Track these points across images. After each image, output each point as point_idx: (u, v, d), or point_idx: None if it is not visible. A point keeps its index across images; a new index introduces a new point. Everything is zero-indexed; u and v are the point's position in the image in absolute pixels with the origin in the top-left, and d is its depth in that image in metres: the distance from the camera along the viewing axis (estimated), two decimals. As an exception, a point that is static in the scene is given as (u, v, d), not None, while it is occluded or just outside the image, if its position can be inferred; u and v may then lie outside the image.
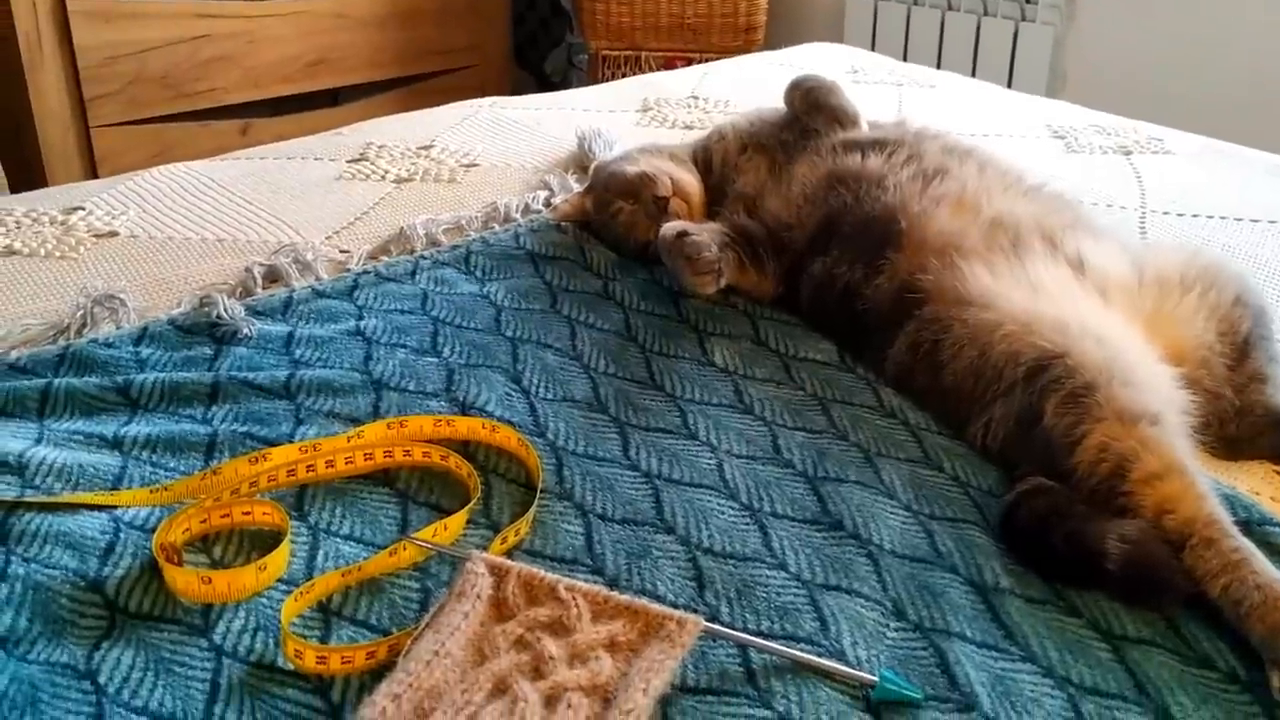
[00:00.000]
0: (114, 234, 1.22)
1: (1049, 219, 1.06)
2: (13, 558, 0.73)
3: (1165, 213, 1.34)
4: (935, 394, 0.95)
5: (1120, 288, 0.99)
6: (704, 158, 1.26)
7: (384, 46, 2.93)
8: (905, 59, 2.57)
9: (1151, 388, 0.85)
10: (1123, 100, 2.15)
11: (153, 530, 0.76)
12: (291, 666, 0.67)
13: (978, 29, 2.59)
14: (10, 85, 2.45)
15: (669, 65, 2.84)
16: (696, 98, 1.74)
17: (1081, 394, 0.83)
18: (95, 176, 2.59)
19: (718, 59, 2.69)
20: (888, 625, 0.72)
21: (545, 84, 3.25)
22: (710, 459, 0.88)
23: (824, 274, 1.07)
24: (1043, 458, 0.84)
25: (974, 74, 2.53)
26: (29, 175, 2.52)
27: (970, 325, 0.93)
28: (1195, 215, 1.33)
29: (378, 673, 0.65)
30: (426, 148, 1.48)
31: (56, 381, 0.92)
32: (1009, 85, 2.50)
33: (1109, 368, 0.85)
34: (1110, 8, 2.47)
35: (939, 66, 2.55)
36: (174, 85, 2.64)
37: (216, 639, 0.69)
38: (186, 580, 0.71)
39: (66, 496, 0.79)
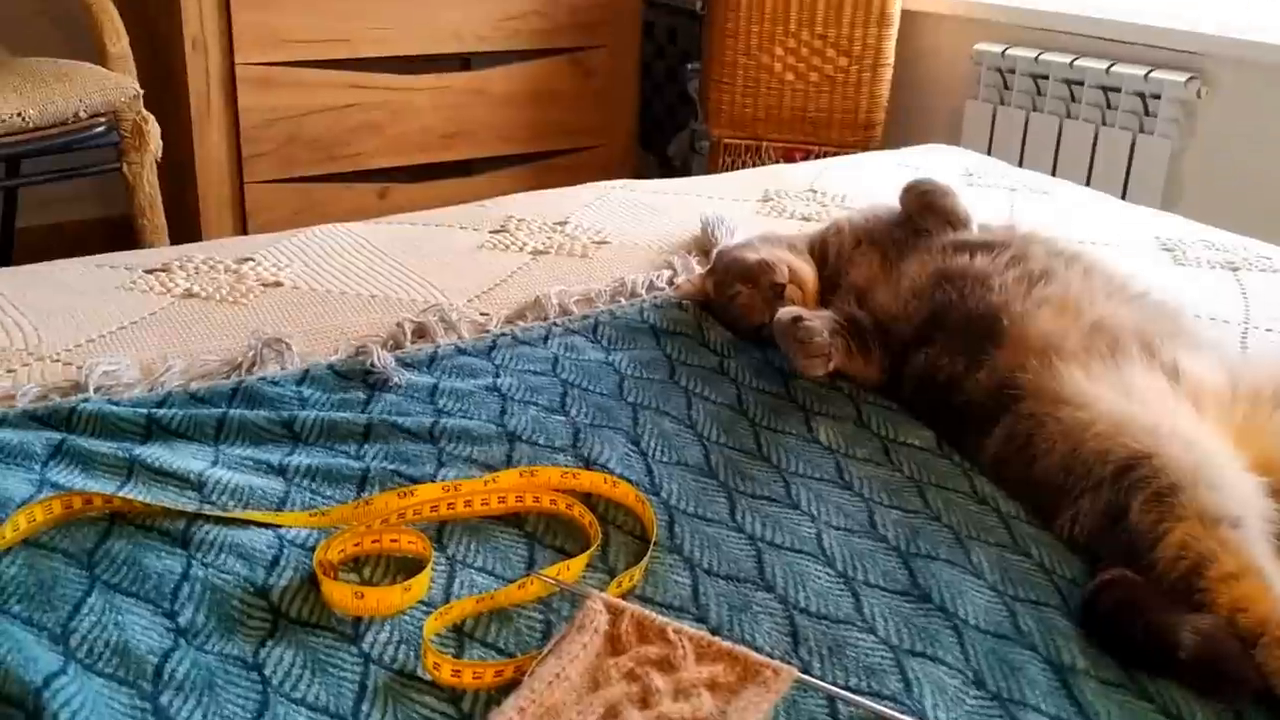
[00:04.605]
0: (279, 284, 1.35)
1: (1149, 326, 1.11)
2: (193, 561, 0.84)
3: (1268, 330, 1.38)
4: (1027, 484, 1.01)
5: (1213, 397, 1.04)
6: (820, 249, 1.34)
7: (518, 123, 3.09)
8: (1021, 164, 2.62)
9: (1235, 492, 0.90)
10: (1239, 217, 2.18)
11: (312, 548, 0.86)
12: (429, 677, 0.75)
13: (1095, 138, 2.64)
14: (179, 140, 2.66)
15: (788, 156, 2.95)
16: (815, 191, 1.83)
17: (1166, 493, 0.89)
18: (245, 228, 2.78)
19: (836, 152, 2.79)
20: (968, 692, 0.78)
21: (667, 166, 3.39)
22: (810, 528, 0.95)
23: (927, 365, 1.14)
24: (1126, 551, 0.89)
25: (1089, 182, 2.58)
26: (186, 223, 2.73)
27: (1064, 423, 0.99)
28: (1298, 334, 1.37)
29: (504, 689, 0.74)
30: (562, 224, 1.60)
31: (231, 412, 1.04)
32: (1124, 195, 2.53)
33: (1195, 470, 0.90)
34: (1230, 125, 2.51)
35: (1054, 173, 2.60)
36: (324, 148, 2.83)
37: (365, 647, 0.78)
38: (342, 594, 0.81)
39: (238, 513, 0.90)
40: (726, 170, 2.92)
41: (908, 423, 1.13)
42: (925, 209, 1.30)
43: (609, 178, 2.08)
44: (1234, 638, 0.80)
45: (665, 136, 3.44)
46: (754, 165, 2.93)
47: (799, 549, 0.92)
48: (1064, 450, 0.98)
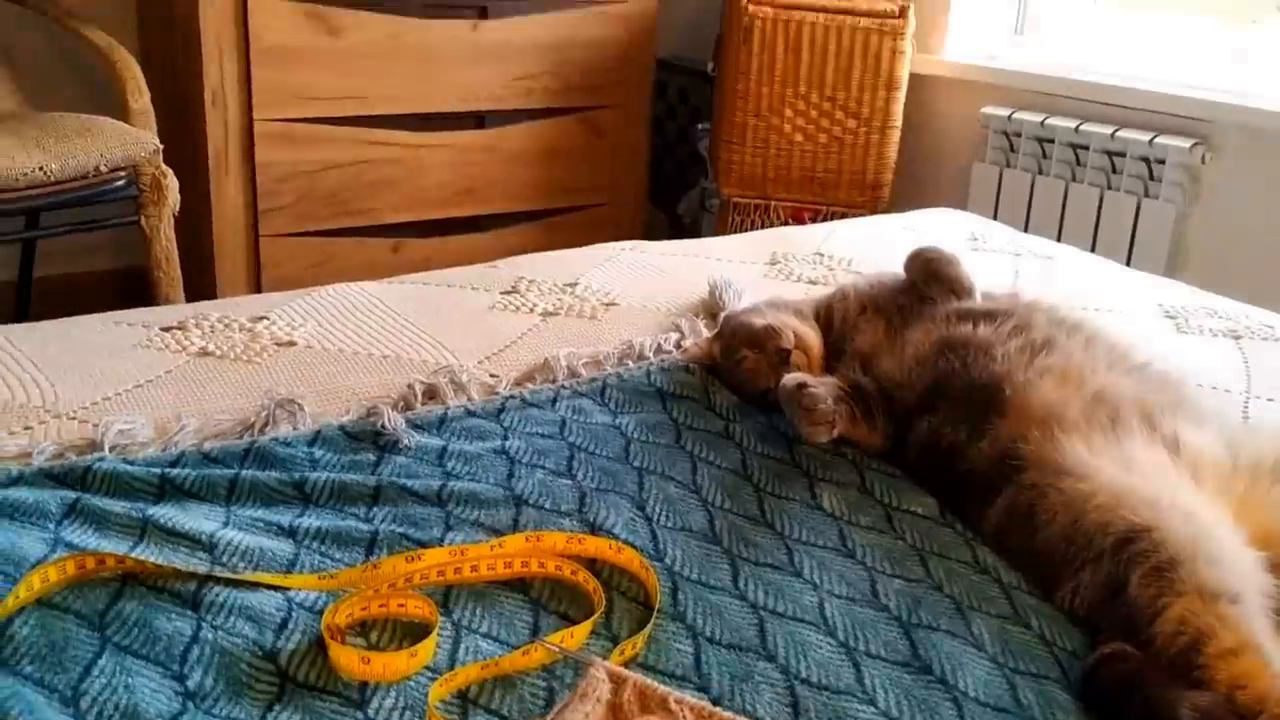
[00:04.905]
0: (293, 343, 1.37)
1: (1150, 398, 1.13)
2: (203, 624, 0.85)
3: (1270, 399, 1.39)
4: (1028, 555, 1.02)
5: (1213, 469, 1.05)
6: (825, 314, 1.36)
7: (530, 181, 3.14)
8: (1027, 228, 2.65)
9: (1235, 567, 0.91)
10: (1244, 281, 2.20)
11: (320, 612, 0.87)
12: (433, 743, 0.76)
13: (1100, 202, 2.66)
14: (196, 193, 2.70)
15: (796, 215, 2.98)
16: (821, 254, 1.85)
17: (1165, 568, 0.90)
18: (259, 281, 2.82)
19: (844, 212, 2.83)
20: (967, 766, 0.79)
21: (677, 224, 3.42)
22: (813, 596, 0.96)
23: (930, 433, 1.15)
24: (1125, 624, 0.90)
25: (1094, 246, 2.60)
26: (202, 275, 2.77)
27: (1066, 494, 1.00)
28: (1300, 404, 1.38)
29: (507, 757, 0.75)
30: (572, 285, 1.62)
31: (243, 473, 1.06)
32: (1129, 260, 2.56)
33: (1194, 545, 0.91)
34: (1235, 190, 2.54)
35: (1060, 236, 2.63)
36: (339, 203, 2.87)
37: (370, 713, 0.79)
38: (349, 658, 0.82)
39: (248, 575, 0.91)
40: (736, 228, 2.96)
41: (911, 490, 1.14)
42: (930, 277, 1.32)
43: (619, 235, 2.11)
44: (1233, 714, 0.81)
45: (675, 194, 3.48)
46: (763, 224, 2.98)
47: (801, 618, 0.93)
48: (1065, 521, 0.99)
